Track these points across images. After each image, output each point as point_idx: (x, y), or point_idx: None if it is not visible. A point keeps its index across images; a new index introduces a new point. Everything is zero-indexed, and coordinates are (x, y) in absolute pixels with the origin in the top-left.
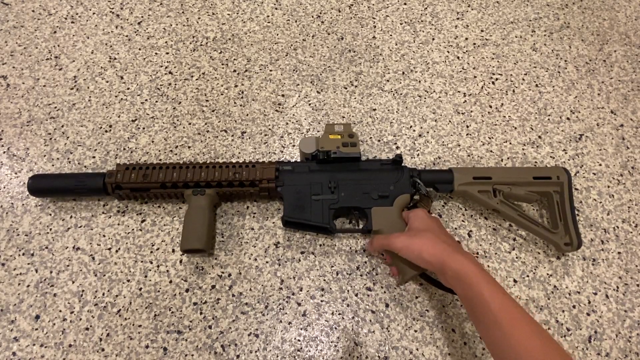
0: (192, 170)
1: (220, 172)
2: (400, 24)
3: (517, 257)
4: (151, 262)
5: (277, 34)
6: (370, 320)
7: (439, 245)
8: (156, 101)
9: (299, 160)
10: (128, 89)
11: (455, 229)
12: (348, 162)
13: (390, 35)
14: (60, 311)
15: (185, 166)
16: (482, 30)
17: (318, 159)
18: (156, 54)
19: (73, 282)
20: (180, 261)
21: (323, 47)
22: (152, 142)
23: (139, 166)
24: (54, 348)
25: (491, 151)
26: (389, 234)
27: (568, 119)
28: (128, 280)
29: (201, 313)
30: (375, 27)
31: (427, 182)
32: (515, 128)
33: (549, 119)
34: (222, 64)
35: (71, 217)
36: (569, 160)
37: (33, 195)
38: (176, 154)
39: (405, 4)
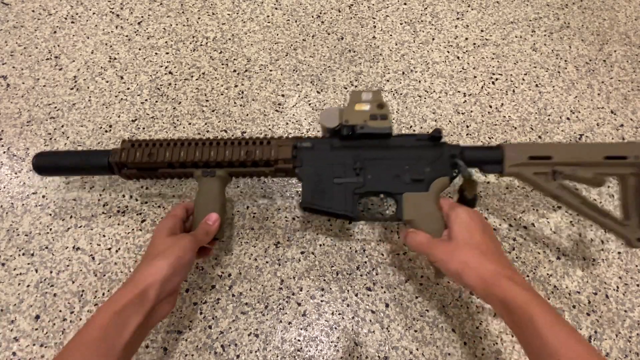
0: (202, 148)
1: (231, 150)
2: (400, 24)
3: (517, 257)
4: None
5: (277, 34)
6: (370, 320)
7: (484, 266)
8: (156, 101)
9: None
10: (128, 89)
11: None
12: (377, 139)
13: (390, 35)
14: (60, 311)
15: (195, 143)
16: (482, 30)
17: (342, 135)
18: (156, 54)
19: (73, 282)
20: None
21: (323, 47)
22: None
23: (145, 142)
24: (54, 348)
25: None
26: (424, 228)
27: (568, 119)
28: None
29: (201, 313)
30: (375, 27)
31: (471, 161)
32: (515, 128)
33: (549, 119)
34: (222, 64)
35: (71, 217)
36: None
37: (39, 174)
38: None
39: (405, 4)
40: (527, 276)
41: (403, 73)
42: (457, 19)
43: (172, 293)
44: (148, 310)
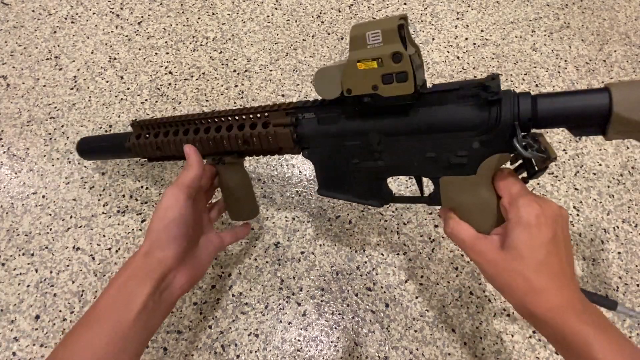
0: (200, 143)
1: (229, 142)
2: None
3: None
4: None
5: (277, 34)
6: (370, 320)
7: (551, 294)
8: (156, 101)
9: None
10: (128, 89)
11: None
12: (397, 110)
13: None
14: (60, 311)
15: (197, 138)
16: (482, 30)
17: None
18: (156, 54)
19: (73, 282)
20: None
21: (323, 47)
22: None
23: (153, 129)
24: (54, 348)
25: None
26: (469, 220)
27: None
28: None
29: (201, 313)
30: None
31: (554, 118)
32: None
33: None
34: (222, 64)
35: (71, 217)
36: (569, 160)
37: (81, 156)
38: None
39: (405, 4)
40: None
41: None
42: (457, 19)
43: (186, 261)
44: (157, 279)
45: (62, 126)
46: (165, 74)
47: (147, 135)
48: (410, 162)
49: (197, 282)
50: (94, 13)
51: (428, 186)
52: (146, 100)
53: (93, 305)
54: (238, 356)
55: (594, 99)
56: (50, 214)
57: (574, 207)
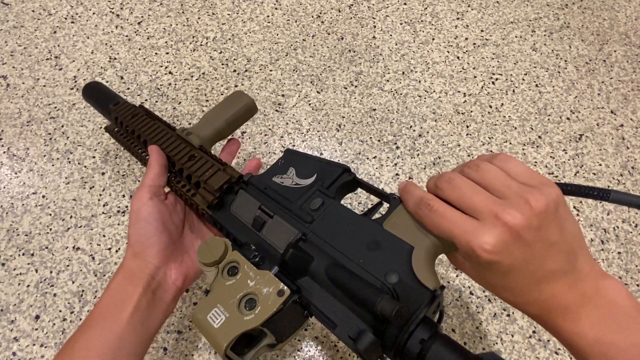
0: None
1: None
2: (400, 24)
3: None
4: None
5: (277, 34)
6: None
7: (539, 292)
8: (156, 101)
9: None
10: (128, 89)
11: None
12: None
13: (390, 35)
14: (60, 311)
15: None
16: (482, 30)
17: None
18: (156, 54)
19: (73, 282)
20: None
21: (323, 47)
22: None
23: (127, 133)
24: (54, 348)
25: (491, 151)
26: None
27: (568, 119)
28: None
29: None
30: (375, 27)
31: None
32: (515, 128)
33: (549, 119)
34: (222, 64)
35: (71, 217)
36: (569, 160)
37: (83, 95)
38: None
39: (405, 4)
40: None
41: (403, 73)
42: (457, 19)
43: (175, 256)
44: (146, 278)
45: (62, 126)
46: (165, 74)
47: (121, 124)
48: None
49: (193, 277)
50: (94, 13)
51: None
52: (146, 100)
53: (91, 312)
54: None
55: None
56: (50, 214)
57: (574, 207)
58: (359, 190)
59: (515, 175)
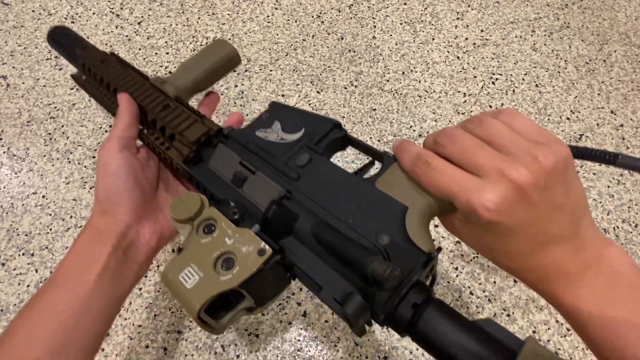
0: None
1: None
2: (400, 24)
3: None
4: (151, 262)
5: (277, 34)
6: None
7: (539, 257)
8: None
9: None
10: None
11: None
12: None
13: (390, 35)
14: None
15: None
16: (482, 30)
17: None
18: (156, 54)
19: None
20: None
21: (323, 47)
22: None
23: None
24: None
25: None
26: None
27: (568, 119)
28: None
29: None
30: (375, 27)
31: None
32: None
33: (549, 119)
34: None
35: (71, 217)
36: None
37: (49, 41)
38: None
39: (405, 4)
40: None
41: (403, 73)
42: (457, 19)
43: (148, 214)
44: (116, 237)
45: (62, 126)
46: (165, 74)
47: (90, 70)
48: None
49: (169, 236)
50: (94, 13)
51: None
52: None
53: (53, 273)
54: (238, 356)
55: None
56: (50, 214)
57: None
58: (349, 150)
59: (522, 132)
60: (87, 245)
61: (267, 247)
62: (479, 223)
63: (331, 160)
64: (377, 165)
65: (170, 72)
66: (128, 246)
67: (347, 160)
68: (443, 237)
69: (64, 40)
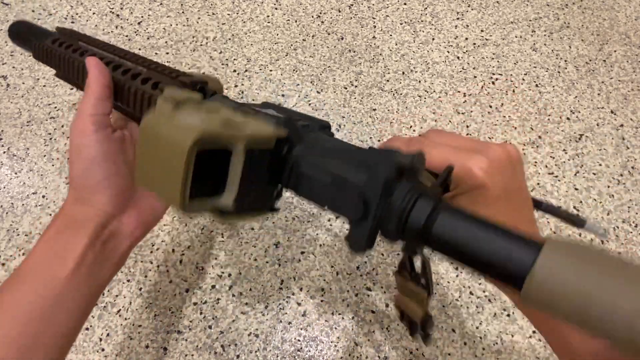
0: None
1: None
2: (400, 24)
3: None
4: (151, 262)
5: (277, 34)
6: (370, 320)
7: None
8: None
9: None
10: None
11: None
12: None
13: (390, 35)
14: None
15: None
16: (482, 30)
17: None
18: (156, 54)
19: None
20: (180, 261)
21: (323, 47)
22: None
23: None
24: None
25: None
26: None
27: (568, 119)
28: (128, 280)
29: (201, 313)
30: (375, 27)
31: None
32: (515, 128)
33: (549, 119)
34: (222, 64)
35: None
36: (569, 160)
37: (10, 37)
38: None
39: (405, 4)
40: None
41: (403, 73)
42: (457, 19)
43: (132, 203)
44: (95, 228)
45: (62, 126)
46: None
47: (61, 44)
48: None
49: (152, 223)
50: (94, 13)
51: None
52: None
53: (19, 268)
54: (238, 356)
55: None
56: (50, 214)
57: (574, 207)
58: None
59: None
60: (59, 237)
61: (283, 128)
62: (468, 191)
63: None
64: None
65: None
66: (108, 238)
67: None
68: None
69: (29, 37)
